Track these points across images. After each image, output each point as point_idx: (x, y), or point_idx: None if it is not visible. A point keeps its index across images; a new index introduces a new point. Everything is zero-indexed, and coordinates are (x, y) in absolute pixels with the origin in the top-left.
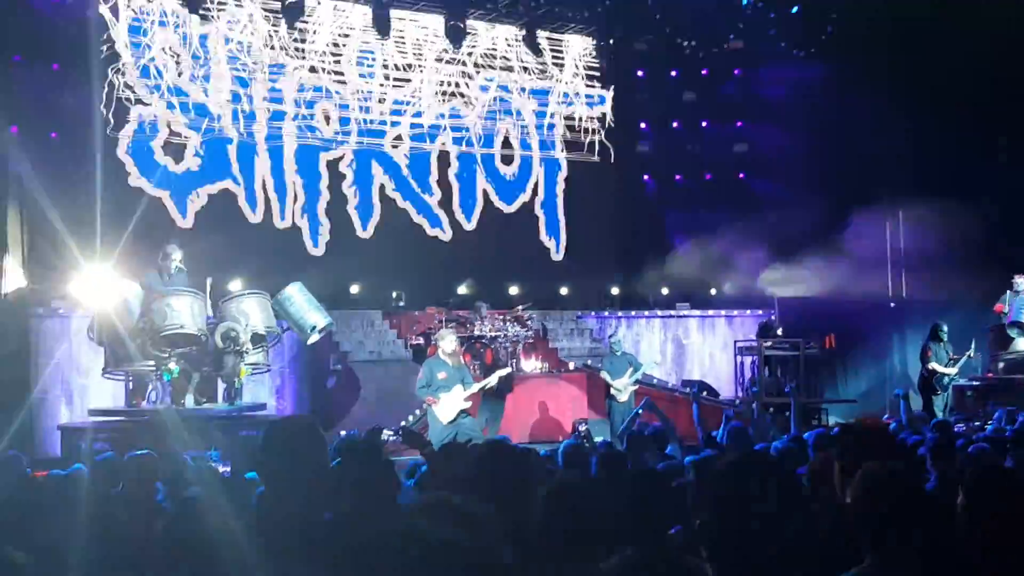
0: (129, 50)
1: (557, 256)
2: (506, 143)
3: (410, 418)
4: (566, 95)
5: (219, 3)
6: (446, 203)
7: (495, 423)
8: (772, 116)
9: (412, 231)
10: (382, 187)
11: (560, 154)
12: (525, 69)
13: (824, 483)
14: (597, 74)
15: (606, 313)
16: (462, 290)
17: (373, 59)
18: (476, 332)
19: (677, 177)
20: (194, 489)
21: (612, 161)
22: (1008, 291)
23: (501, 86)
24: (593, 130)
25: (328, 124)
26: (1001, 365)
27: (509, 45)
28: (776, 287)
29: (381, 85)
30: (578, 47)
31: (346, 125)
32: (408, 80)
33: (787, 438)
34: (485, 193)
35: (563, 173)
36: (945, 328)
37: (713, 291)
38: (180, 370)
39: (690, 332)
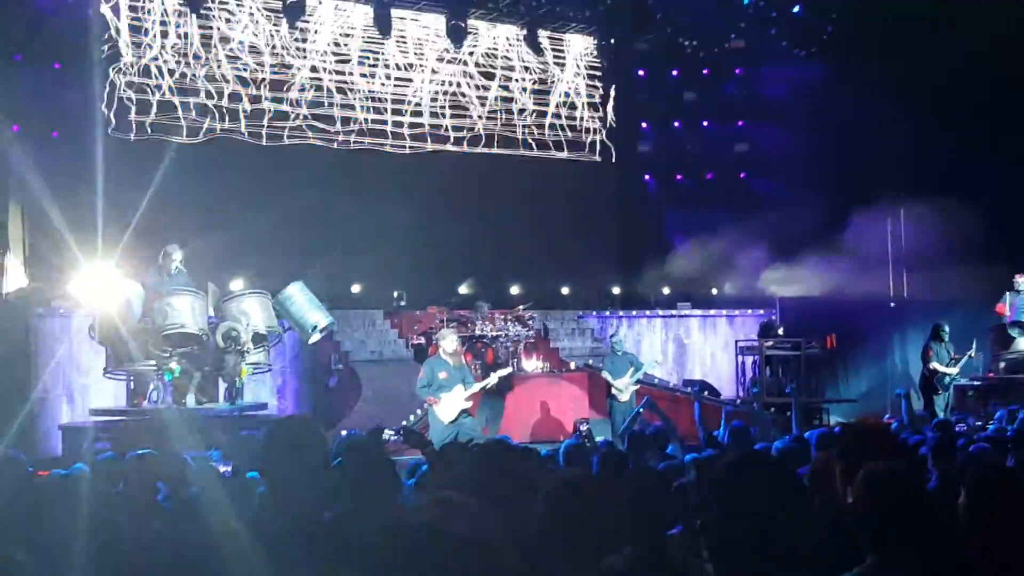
0: (130, 49)
1: (558, 256)
2: (508, 143)
3: (411, 418)
4: (567, 95)
5: (220, 3)
6: (447, 202)
7: (495, 422)
8: (773, 116)
9: (414, 230)
10: (383, 186)
11: (561, 154)
12: (526, 68)
13: (826, 483)
14: (598, 73)
15: (607, 313)
16: (463, 290)
17: (375, 59)
18: (477, 332)
19: (678, 177)
20: (195, 489)
21: (613, 161)
22: (1008, 291)
23: (502, 85)
24: (594, 129)
25: (329, 124)
26: (1002, 365)
27: (510, 45)
28: (777, 287)
29: (382, 85)
30: (579, 46)
31: (347, 125)
32: (409, 80)
33: (789, 438)
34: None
35: (564, 172)
36: (946, 328)
37: (714, 291)
38: (181, 370)
39: (691, 332)
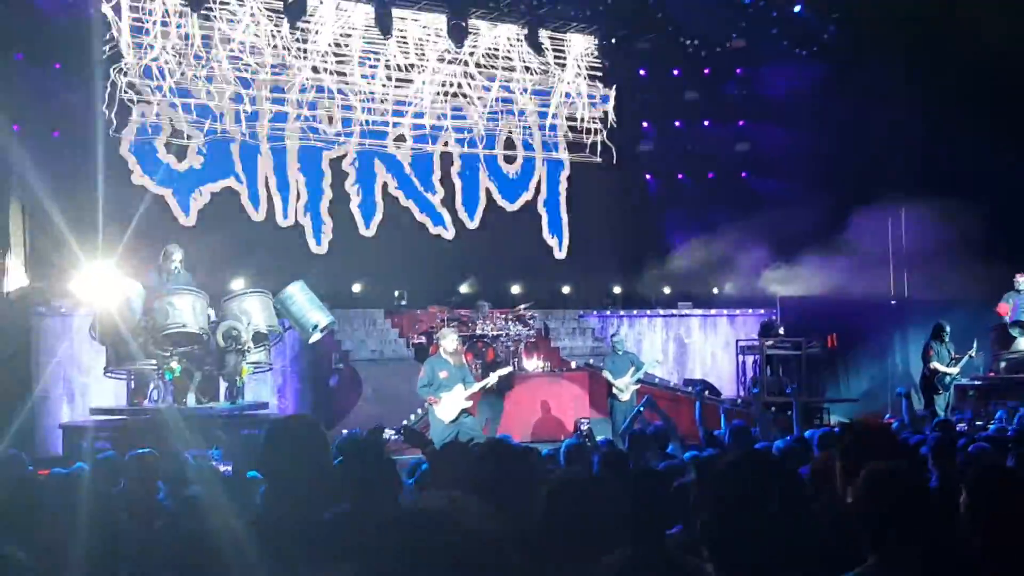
0: (131, 49)
1: (559, 255)
2: (509, 143)
3: (412, 417)
4: (568, 94)
5: (221, 2)
6: (449, 202)
7: (495, 421)
8: (774, 115)
9: (414, 230)
10: (385, 186)
11: (562, 154)
12: (527, 68)
13: (827, 483)
14: (599, 73)
15: (608, 312)
16: (464, 289)
17: (375, 59)
18: (478, 331)
19: (679, 176)
20: (195, 488)
21: (614, 160)
22: (1009, 291)
23: (503, 86)
24: (595, 129)
25: (331, 124)
26: (1003, 364)
27: (511, 44)
28: (778, 286)
29: (383, 85)
30: (580, 46)
31: (348, 126)
32: (410, 80)
33: (791, 438)
34: (488, 192)
35: (566, 172)
36: (948, 328)
37: (715, 290)
38: (182, 369)
39: (692, 331)
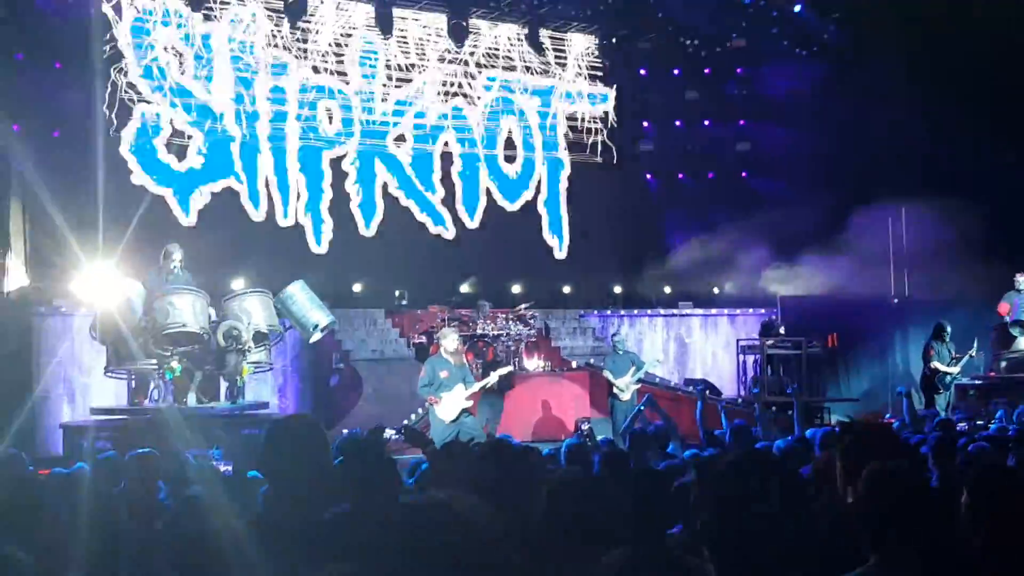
0: (132, 49)
1: (560, 255)
2: (509, 143)
3: (412, 417)
4: (569, 94)
5: (222, 2)
6: (449, 201)
7: (495, 421)
8: (774, 115)
9: (415, 229)
10: (385, 185)
11: (563, 153)
12: (528, 68)
13: (828, 482)
14: (600, 73)
15: (608, 312)
16: (465, 289)
17: (376, 58)
18: (479, 331)
19: (680, 176)
20: (196, 488)
21: (615, 160)
22: (1009, 290)
23: (504, 85)
24: (596, 129)
25: (331, 124)
26: (1003, 364)
27: (512, 44)
28: (778, 286)
29: (384, 85)
30: (581, 46)
31: (348, 126)
32: (410, 80)
33: (792, 438)
34: (488, 191)
35: (566, 171)
36: (948, 328)
37: (715, 290)
38: (182, 368)
39: (692, 331)
